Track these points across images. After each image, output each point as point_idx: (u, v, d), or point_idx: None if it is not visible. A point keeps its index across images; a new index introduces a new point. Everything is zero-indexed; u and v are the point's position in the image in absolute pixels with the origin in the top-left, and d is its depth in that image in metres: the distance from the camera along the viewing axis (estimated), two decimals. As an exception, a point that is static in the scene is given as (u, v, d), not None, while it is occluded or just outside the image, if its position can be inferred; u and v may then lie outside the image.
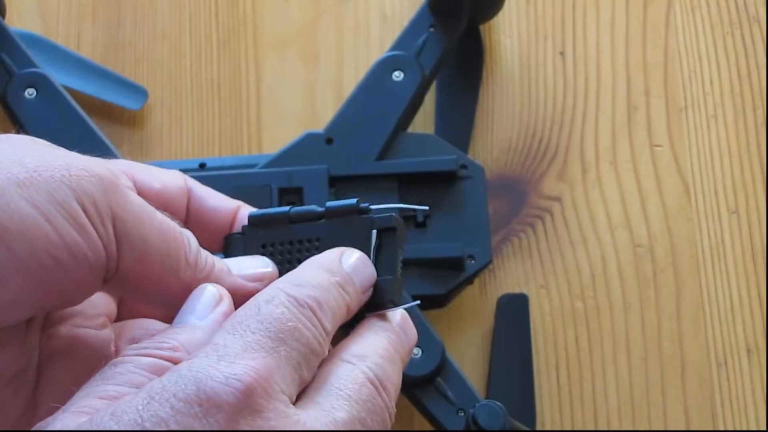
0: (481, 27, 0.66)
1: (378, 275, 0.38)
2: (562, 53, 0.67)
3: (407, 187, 0.58)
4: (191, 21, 0.68)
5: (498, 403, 0.52)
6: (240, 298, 0.36)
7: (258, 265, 0.38)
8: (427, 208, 0.41)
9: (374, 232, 0.39)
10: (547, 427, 0.60)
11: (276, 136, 0.65)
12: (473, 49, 0.65)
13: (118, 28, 0.69)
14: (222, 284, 0.36)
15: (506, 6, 0.65)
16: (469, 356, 0.61)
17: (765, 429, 0.59)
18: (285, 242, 0.40)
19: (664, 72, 0.66)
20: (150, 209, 0.35)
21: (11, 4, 0.67)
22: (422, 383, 0.56)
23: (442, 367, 0.56)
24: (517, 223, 0.64)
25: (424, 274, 0.58)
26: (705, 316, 0.61)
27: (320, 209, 0.39)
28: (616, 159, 0.64)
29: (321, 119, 0.63)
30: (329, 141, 0.59)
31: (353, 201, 0.40)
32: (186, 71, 0.67)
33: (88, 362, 0.37)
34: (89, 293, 0.35)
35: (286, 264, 0.39)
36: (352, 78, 0.66)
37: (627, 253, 0.63)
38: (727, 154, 0.64)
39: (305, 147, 0.59)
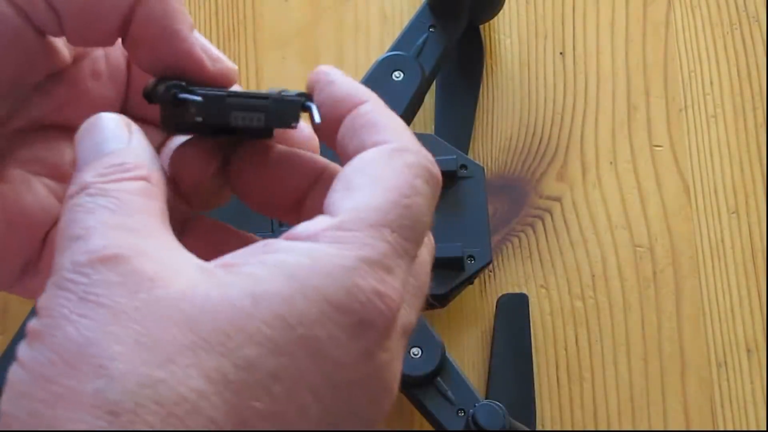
0: (481, 27, 0.66)
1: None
2: (562, 53, 0.67)
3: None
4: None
5: (498, 403, 0.52)
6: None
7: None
8: None
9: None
10: (547, 427, 0.60)
11: (276, 136, 0.65)
12: (473, 49, 0.65)
13: (118, 28, 0.69)
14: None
15: (506, 6, 0.65)
16: (469, 356, 0.61)
17: (765, 429, 0.59)
18: None
19: (664, 72, 0.66)
20: None
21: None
22: (422, 383, 0.56)
23: (442, 367, 0.56)
24: (517, 223, 0.64)
25: (424, 273, 0.58)
26: (705, 316, 0.61)
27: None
28: (616, 159, 0.64)
29: (321, 119, 0.63)
30: (329, 141, 0.59)
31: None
32: (186, 71, 0.67)
33: None
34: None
35: None
36: (351, 78, 0.66)
37: (627, 253, 0.63)
38: (727, 154, 0.64)
39: (305, 147, 0.59)
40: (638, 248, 0.63)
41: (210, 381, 0.27)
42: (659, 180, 0.64)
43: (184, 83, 0.34)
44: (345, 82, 0.34)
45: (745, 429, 0.60)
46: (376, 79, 0.60)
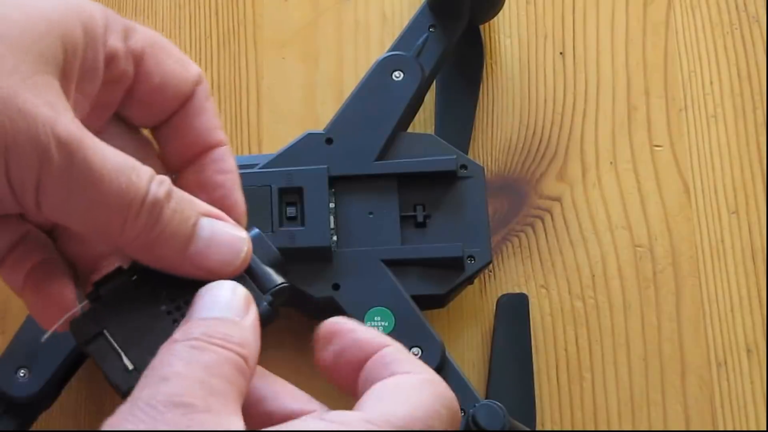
0: (481, 27, 0.66)
1: None
2: (562, 53, 0.67)
3: (407, 187, 0.58)
4: (191, 21, 0.68)
5: (498, 403, 0.52)
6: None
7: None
8: None
9: None
10: (547, 427, 0.60)
11: (276, 136, 0.65)
12: (473, 49, 0.65)
13: (118, 28, 0.68)
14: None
15: (506, 6, 0.65)
16: (469, 356, 0.61)
17: (765, 429, 0.59)
18: None
19: (664, 72, 0.66)
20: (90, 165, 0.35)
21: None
22: (422, 383, 0.56)
23: (442, 367, 0.56)
24: (517, 223, 0.64)
25: (423, 274, 0.58)
26: (705, 316, 0.61)
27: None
28: (616, 159, 0.64)
29: (321, 119, 0.63)
30: (329, 141, 0.59)
31: None
32: (186, 71, 0.67)
33: None
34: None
35: None
36: (352, 78, 0.66)
37: (627, 253, 0.63)
38: (727, 154, 0.64)
39: (305, 147, 0.59)
40: (638, 248, 0.63)
41: None
42: (659, 180, 0.64)
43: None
44: (365, 329, 0.39)
45: (745, 429, 0.60)
46: (376, 79, 0.60)
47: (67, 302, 0.39)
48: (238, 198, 0.42)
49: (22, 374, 0.55)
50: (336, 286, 0.56)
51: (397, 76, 0.60)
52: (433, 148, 0.60)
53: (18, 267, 0.39)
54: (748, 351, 0.61)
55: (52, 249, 0.40)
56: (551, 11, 0.68)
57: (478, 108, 0.65)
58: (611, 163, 0.64)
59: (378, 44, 0.67)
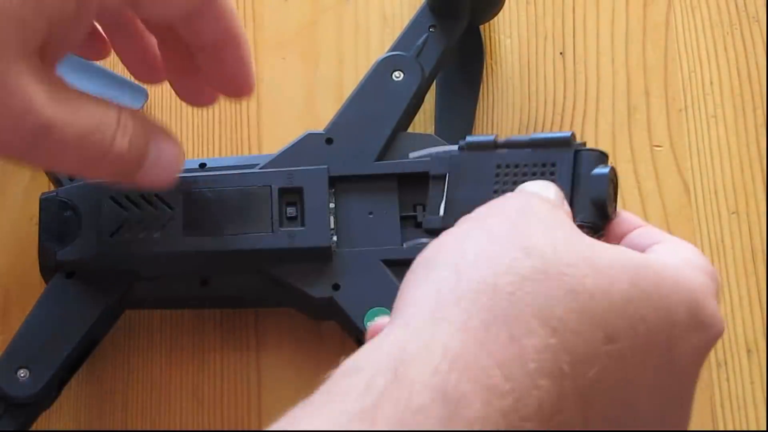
0: (481, 27, 0.66)
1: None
2: (562, 53, 0.67)
3: (407, 187, 0.58)
4: (191, 21, 0.68)
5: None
6: None
7: None
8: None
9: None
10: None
11: (276, 137, 0.65)
12: (473, 49, 0.65)
13: (118, 28, 0.68)
14: None
15: (506, 6, 0.65)
16: (469, 356, 0.61)
17: (765, 429, 0.59)
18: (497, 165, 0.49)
19: (664, 72, 0.66)
20: None
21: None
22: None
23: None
24: (517, 223, 0.63)
25: (423, 273, 0.57)
26: (705, 316, 0.61)
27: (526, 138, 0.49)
28: (616, 159, 0.64)
29: (321, 119, 0.63)
30: (329, 141, 0.59)
31: (566, 134, 0.49)
32: (186, 71, 0.67)
33: None
34: None
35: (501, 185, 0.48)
36: (352, 78, 0.66)
37: (627, 253, 0.62)
38: (727, 154, 0.64)
39: (305, 147, 0.59)
40: (638, 248, 0.63)
41: None
42: (659, 180, 0.64)
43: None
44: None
45: (745, 429, 0.60)
46: (376, 80, 0.60)
47: None
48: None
49: (22, 374, 0.55)
50: (336, 286, 0.56)
51: (397, 76, 0.60)
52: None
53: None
54: (748, 351, 0.61)
55: None
56: (551, 11, 0.68)
57: (478, 108, 0.65)
58: (611, 163, 0.64)
59: (378, 45, 0.67)
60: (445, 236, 0.38)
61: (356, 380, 0.30)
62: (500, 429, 0.28)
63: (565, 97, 0.66)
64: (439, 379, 0.29)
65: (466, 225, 0.38)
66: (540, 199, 0.40)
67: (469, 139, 0.51)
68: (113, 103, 0.46)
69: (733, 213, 0.63)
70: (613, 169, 0.48)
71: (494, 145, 0.50)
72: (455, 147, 0.53)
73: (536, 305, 0.31)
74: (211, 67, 0.51)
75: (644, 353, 0.33)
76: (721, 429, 0.59)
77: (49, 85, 0.42)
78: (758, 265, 0.62)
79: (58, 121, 0.41)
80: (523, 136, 0.50)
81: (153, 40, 0.54)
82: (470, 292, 0.32)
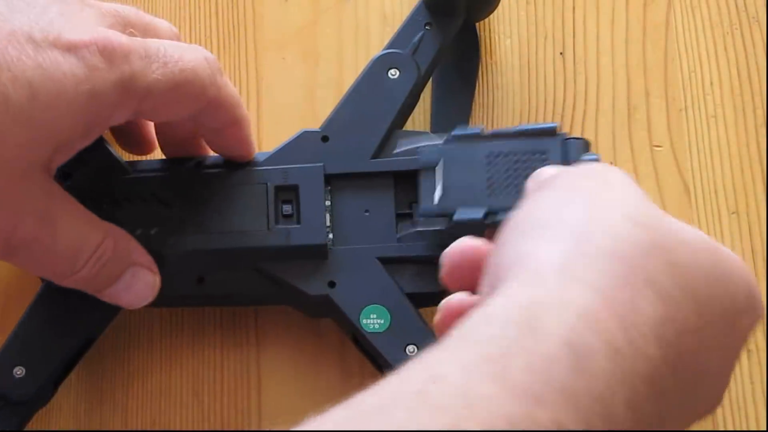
0: (481, 27, 0.66)
1: None
2: (562, 53, 0.67)
3: (403, 185, 0.58)
4: (191, 21, 0.68)
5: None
6: None
7: None
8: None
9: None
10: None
11: (276, 136, 0.65)
12: (469, 46, 0.65)
13: (119, 29, 0.69)
14: None
15: (506, 6, 0.65)
16: (467, 355, 0.61)
17: (765, 429, 0.59)
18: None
19: (664, 72, 0.66)
20: None
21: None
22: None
23: (438, 365, 0.56)
24: (515, 223, 0.63)
25: (420, 271, 0.57)
26: (704, 316, 0.61)
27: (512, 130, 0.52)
28: (616, 159, 0.64)
29: (321, 119, 0.63)
30: (325, 139, 0.59)
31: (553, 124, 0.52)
32: (186, 71, 0.67)
33: None
34: None
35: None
36: (352, 78, 0.65)
37: (626, 253, 0.62)
38: (727, 154, 0.64)
39: (301, 145, 0.59)
40: (637, 248, 0.62)
41: None
42: (659, 180, 0.64)
43: None
44: None
45: (745, 429, 0.59)
46: (372, 77, 0.60)
47: None
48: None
49: (18, 373, 0.55)
50: (332, 284, 0.56)
51: (393, 74, 0.60)
52: (429, 146, 0.60)
53: None
54: (748, 351, 0.61)
55: None
56: (551, 11, 0.68)
57: (477, 108, 0.65)
58: (611, 163, 0.64)
59: (378, 44, 0.67)
60: (544, 199, 0.39)
61: (488, 329, 0.32)
62: (619, 386, 0.31)
63: (565, 97, 0.66)
64: (571, 333, 0.31)
65: (562, 189, 0.39)
66: (621, 171, 0.42)
67: (455, 131, 0.51)
68: (103, 226, 0.50)
69: (733, 213, 0.63)
70: (599, 158, 0.50)
71: (481, 137, 0.50)
72: (441, 141, 0.53)
73: (646, 275, 0.34)
74: (213, 142, 0.56)
75: (716, 329, 0.36)
76: (721, 429, 0.59)
77: (45, 201, 0.46)
78: (758, 265, 0.62)
79: (35, 242, 0.46)
80: (509, 128, 0.50)
81: (150, 126, 0.59)
82: (592, 256, 0.34)
